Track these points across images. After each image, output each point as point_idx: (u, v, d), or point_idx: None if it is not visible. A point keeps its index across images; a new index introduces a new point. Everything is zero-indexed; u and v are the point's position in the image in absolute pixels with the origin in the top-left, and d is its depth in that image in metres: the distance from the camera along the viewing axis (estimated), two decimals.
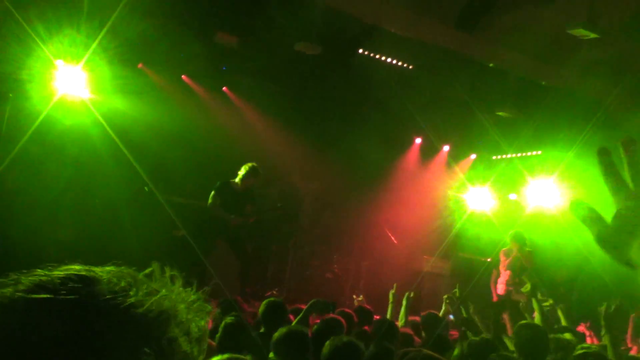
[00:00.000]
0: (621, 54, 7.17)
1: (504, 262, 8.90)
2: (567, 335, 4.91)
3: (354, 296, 7.36)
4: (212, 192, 8.00)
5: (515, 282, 8.55)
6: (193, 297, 0.87)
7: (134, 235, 7.75)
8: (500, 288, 8.85)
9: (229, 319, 4.26)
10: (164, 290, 0.84)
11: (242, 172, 8.05)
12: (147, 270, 0.88)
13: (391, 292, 6.64)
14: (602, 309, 5.92)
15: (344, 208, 11.27)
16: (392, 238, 11.22)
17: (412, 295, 6.55)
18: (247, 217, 8.18)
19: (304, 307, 5.61)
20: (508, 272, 8.78)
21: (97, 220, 8.04)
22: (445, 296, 6.68)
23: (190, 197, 9.25)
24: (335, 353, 3.33)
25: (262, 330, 4.74)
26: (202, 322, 0.86)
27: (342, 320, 4.94)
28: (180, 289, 0.87)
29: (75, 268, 0.81)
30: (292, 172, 11.28)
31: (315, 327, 4.70)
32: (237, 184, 8.06)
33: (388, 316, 6.35)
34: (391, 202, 11.33)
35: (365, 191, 11.07)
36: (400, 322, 5.66)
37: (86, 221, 7.94)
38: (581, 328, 6.91)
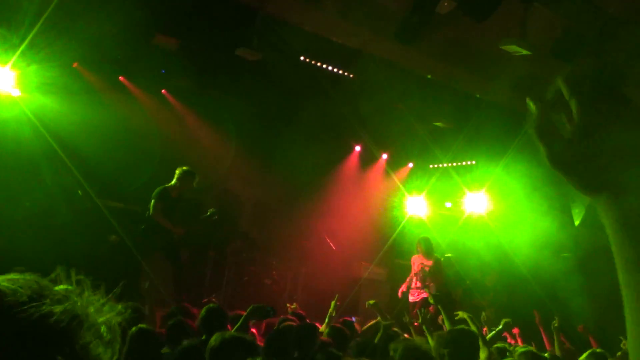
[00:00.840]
0: (549, 72, 7.50)
1: (414, 268, 8.98)
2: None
3: (288, 304, 7.40)
4: (153, 201, 7.75)
5: (425, 286, 8.65)
6: (102, 300, 0.88)
7: (67, 240, 7.51)
8: (413, 293, 8.92)
9: (133, 329, 3.99)
10: (73, 296, 0.84)
11: (178, 176, 7.87)
12: (53, 275, 0.87)
13: (333, 302, 6.71)
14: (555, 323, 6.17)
15: (283, 214, 11.28)
16: (331, 244, 11.31)
17: (338, 303, 6.67)
18: (189, 226, 8.04)
19: (241, 312, 5.59)
20: (415, 278, 8.88)
21: (27, 223, 7.72)
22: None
23: (126, 201, 9.04)
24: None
25: (203, 337, 4.67)
26: (113, 323, 0.87)
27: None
28: (89, 292, 0.87)
29: None
30: (231, 177, 11.19)
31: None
32: (172, 189, 7.88)
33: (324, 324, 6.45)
34: (330, 208, 11.42)
35: (305, 197, 11.12)
36: (324, 331, 5.73)
37: (16, 224, 7.61)
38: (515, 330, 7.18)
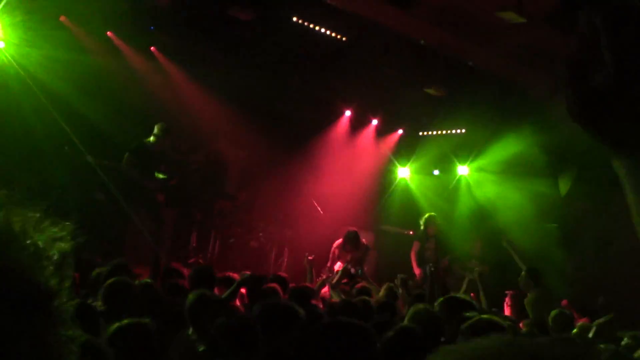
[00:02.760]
0: (544, 40, 7.44)
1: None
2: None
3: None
4: (127, 154, 7.76)
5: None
6: (38, 215, 0.74)
7: (53, 195, 7.45)
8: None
9: (139, 282, 4.33)
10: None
11: (156, 132, 7.89)
12: None
13: (305, 260, 6.85)
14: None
15: (271, 176, 11.26)
16: (318, 208, 11.33)
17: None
18: (165, 180, 8.01)
19: (231, 274, 5.68)
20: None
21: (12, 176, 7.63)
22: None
23: (112, 158, 8.95)
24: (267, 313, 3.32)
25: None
26: (63, 245, 0.73)
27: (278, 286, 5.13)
28: (26, 208, 0.73)
29: None
30: (218, 138, 11.12)
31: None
32: (152, 144, 7.87)
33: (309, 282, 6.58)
34: (319, 172, 11.42)
35: (293, 160, 11.09)
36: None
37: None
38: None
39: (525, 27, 7.20)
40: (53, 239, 0.73)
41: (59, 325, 0.70)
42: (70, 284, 0.73)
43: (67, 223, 0.76)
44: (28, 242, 0.69)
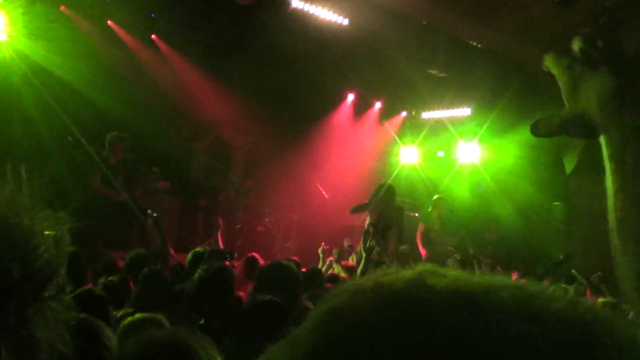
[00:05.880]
0: (547, 17, 7.38)
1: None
2: None
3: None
4: (89, 173, 7.73)
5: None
6: (35, 207, 0.71)
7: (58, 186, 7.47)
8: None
9: (145, 270, 4.27)
10: None
11: (107, 144, 7.84)
12: None
13: (319, 249, 6.90)
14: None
15: (276, 162, 11.26)
16: (324, 193, 11.34)
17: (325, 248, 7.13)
18: (132, 190, 8.01)
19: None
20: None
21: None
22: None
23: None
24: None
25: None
26: (58, 234, 0.69)
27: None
28: (14, 192, 0.71)
29: None
30: (223, 125, 11.11)
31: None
32: (109, 157, 7.88)
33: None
34: (323, 156, 11.41)
35: (298, 145, 11.08)
36: None
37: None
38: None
39: (527, 4, 7.13)
40: (45, 223, 0.69)
41: (47, 315, 0.65)
42: (65, 271, 0.69)
43: (62, 210, 0.73)
44: (22, 228, 0.66)
